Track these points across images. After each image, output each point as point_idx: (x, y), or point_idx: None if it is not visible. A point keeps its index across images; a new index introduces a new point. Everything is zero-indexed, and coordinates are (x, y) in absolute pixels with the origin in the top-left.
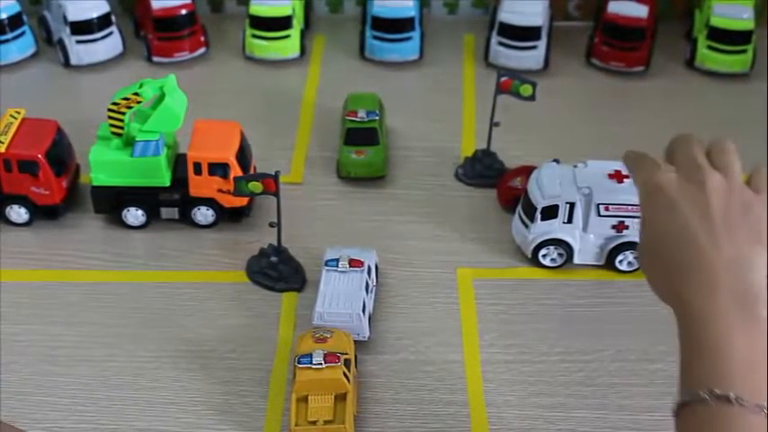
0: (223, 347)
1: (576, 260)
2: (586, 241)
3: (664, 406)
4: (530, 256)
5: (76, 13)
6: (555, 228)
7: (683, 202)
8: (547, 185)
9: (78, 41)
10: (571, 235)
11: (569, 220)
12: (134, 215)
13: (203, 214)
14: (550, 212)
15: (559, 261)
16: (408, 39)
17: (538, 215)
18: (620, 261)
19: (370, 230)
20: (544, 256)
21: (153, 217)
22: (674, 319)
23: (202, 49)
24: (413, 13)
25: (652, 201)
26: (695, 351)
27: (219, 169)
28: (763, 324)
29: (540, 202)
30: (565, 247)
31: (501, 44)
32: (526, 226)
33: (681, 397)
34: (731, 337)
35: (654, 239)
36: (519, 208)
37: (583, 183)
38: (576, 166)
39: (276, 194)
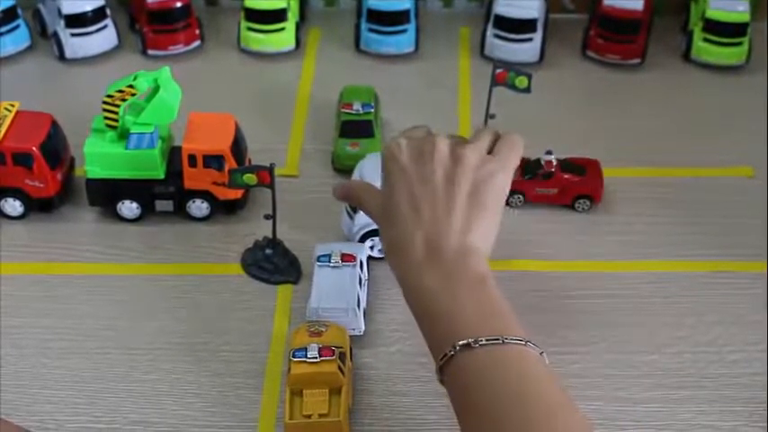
0: (218, 340)
1: None
2: None
3: (659, 397)
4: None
5: (71, 6)
6: None
7: (412, 169)
8: (367, 176)
9: (73, 34)
10: None
11: None
12: (129, 208)
13: (198, 207)
14: None
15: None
16: (404, 31)
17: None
18: None
19: None
20: (371, 247)
21: (148, 210)
22: (669, 311)
23: (197, 42)
24: (408, 5)
25: (387, 166)
26: (427, 323)
27: (214, 162)
28: (479, 277)
29: None
30: None
31: (497, 37)
32: (351, 218)
33: (436, 364)
34: (452, 300)
35: (381, 207)
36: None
37: None
38: None
39: (271, 187)
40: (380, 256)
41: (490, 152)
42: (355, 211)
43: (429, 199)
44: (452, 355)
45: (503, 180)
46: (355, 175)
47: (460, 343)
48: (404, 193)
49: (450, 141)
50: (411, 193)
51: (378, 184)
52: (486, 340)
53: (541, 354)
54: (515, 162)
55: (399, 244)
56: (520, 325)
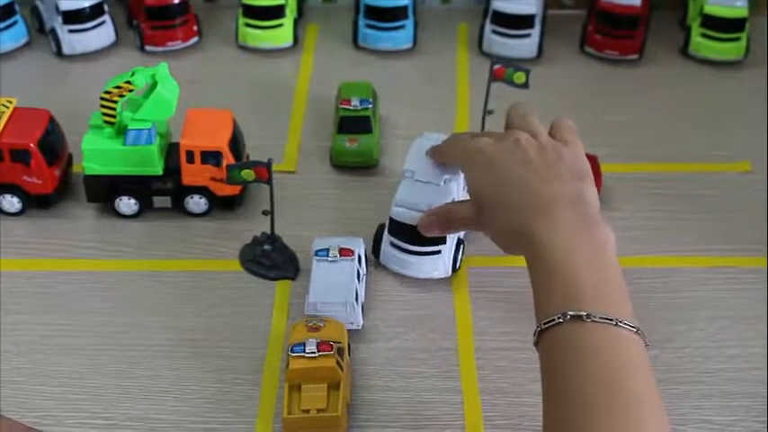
0: (216, 336)
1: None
2: None
3: None
4: (451, 273)
5: (69, 2)
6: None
7: (504, 155)
8: (422, 202)
9: (71, 31)
10: None
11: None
12: (127, 204)
13: (196, 203)
14: None
15: (462, 254)
16: (402, 27)
17: (449, 237)
18: None
19: (363, 218)
20: (460, 259)
21: (145, 206)
22: (667, 306)
23: (195, 39)
24: (406, 1)
25: (474, 161)
26: (545, 282)
27: (212, 158)
28: (604, 245)
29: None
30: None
31: (495, 32)
32: (435, 252)
33: (538, 326)
34: (577, 261)
35: (484, 195)
36: (394, 244)
37: (440, 174)
38: (408, 174)
39: (269, 182)
40: (446, 277)
41: None
42: (441, 242)
43: (536, 173)
44: (560, 322)
45: (584, 158)
46: (400, 213)
47: (571, 313)
48: (511, 172)
49: (526, 134)
50: (516, 171)
51: (426, 202)
52: (600, 318)
53: (646, 345)
54: (538, 124)
55: (533, 209)
56: (633, 309)
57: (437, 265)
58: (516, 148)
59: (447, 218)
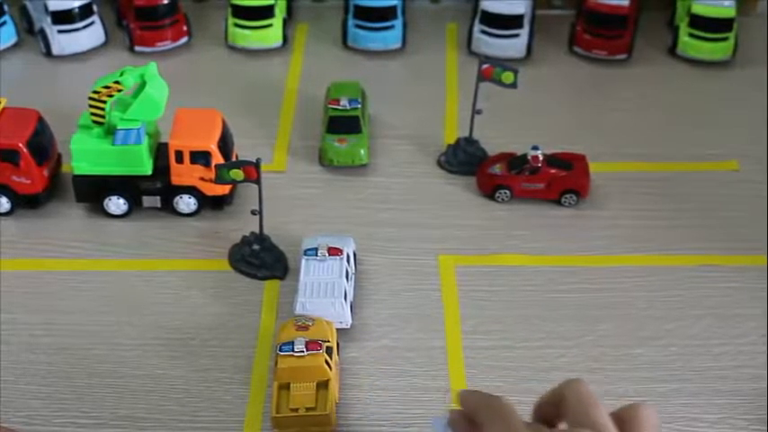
0: (205, 335)
1: None
2: None
3: (644, 391)
4: None
5: (58, 2)
6: None
7: None
8: None
9: (60, 31)
10: None
11: None
12: (116, 204)
13: (185, 202)
14: None
15: None
16: (391, 27)
17: None
18: None
19: (352, 218)
20: None
21: (135, 206)
22: (655, 304)
23: (185, 39)
24: (395, 1)
25: None
26: None
27: (201, 157)
28: None
29: None
30: None
31: (483, 32)
32: None
33: None
34: None
35: None
36: None
37: None
38: None
39: (257, 182)
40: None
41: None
42: None
43: None
44: None
45: None
46: None
47: None
48: None
49: None
50: None
51: None
52: None
53: None
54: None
55: None
56: None
57: None
58: None
59: None
